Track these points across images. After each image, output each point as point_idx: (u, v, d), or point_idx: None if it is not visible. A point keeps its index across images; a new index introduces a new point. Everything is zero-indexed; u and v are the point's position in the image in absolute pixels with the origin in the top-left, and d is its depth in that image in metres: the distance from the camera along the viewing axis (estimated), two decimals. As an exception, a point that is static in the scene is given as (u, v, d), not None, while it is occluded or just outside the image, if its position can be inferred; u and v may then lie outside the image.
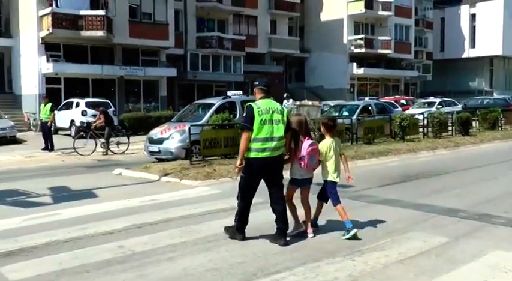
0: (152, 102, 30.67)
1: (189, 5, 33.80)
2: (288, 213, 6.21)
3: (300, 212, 6.45)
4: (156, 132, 14.29)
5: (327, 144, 6.37)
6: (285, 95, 30.76)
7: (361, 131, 16.51)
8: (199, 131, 12.54)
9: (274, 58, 40.34)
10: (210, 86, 35.31)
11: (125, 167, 12.72)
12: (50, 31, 25.38)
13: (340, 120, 16.43)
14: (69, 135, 22.17)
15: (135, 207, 8.19)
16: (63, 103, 24.67)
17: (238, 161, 5.96)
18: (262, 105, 5.91)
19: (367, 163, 13.20)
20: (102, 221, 7.15)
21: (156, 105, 30.23)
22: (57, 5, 26.01)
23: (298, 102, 25.08)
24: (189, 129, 12.53)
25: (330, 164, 6.34)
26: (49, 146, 17.85)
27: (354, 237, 6.10)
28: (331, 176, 6.34)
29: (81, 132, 17.38)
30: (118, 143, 16.89)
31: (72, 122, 22.73)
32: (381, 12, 42.75)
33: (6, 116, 22.90)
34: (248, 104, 5.99)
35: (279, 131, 5.89)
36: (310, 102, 24.74)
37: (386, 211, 7.69)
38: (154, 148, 13.87)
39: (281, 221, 6.05)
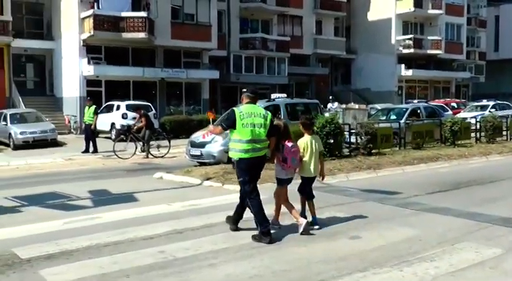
0: (194, 105, 30.45)
1: (232, 5, 33.64)
2: (285, 209, 6.80)
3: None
4: (198, 136, 14.26)
5: (304, 141, 6.87)
6: (330, 98, 30.42)
7: (410, 136, 16.11)
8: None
9: (320, 59, 39.94)
10: (254, 89, 35.11)
11: (165, 171, 12.69)
12: (92, 33, 25.45)
13: (387, 124, 16.14)
14: (109, 138, 22.23)
15: (176, 212, 8.16)
16: (103, 106, 24.53)
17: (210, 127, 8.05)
18: (244, 109, 6.42)
19: (415, 169, 12.86)
20: (143, 225, 7.12)
21: (198, 108, 29.96)
22: (98, 7, 26.14)
23: (344, 105, 24.65)
24: (232, 133, 12.43)
25: (308, 160, 6.81)
26: (92, 149, 18.06)
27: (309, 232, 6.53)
28: (308, 172, 6.83)
29: (122, 136, 17.43)
30: (159, 147, 16.89)
31: (112, 125, 22.69)
32: (430, 11, 41.62)
33: (47, 119, 23.15)
34: (232, 108, 6.62)
35: (261, 134, 6.38)
36: (356, 106, 24.23)
37: (436, 220, 7.43)
38: (196, 151, 13.84)
39: (241, 216, 6.77)
